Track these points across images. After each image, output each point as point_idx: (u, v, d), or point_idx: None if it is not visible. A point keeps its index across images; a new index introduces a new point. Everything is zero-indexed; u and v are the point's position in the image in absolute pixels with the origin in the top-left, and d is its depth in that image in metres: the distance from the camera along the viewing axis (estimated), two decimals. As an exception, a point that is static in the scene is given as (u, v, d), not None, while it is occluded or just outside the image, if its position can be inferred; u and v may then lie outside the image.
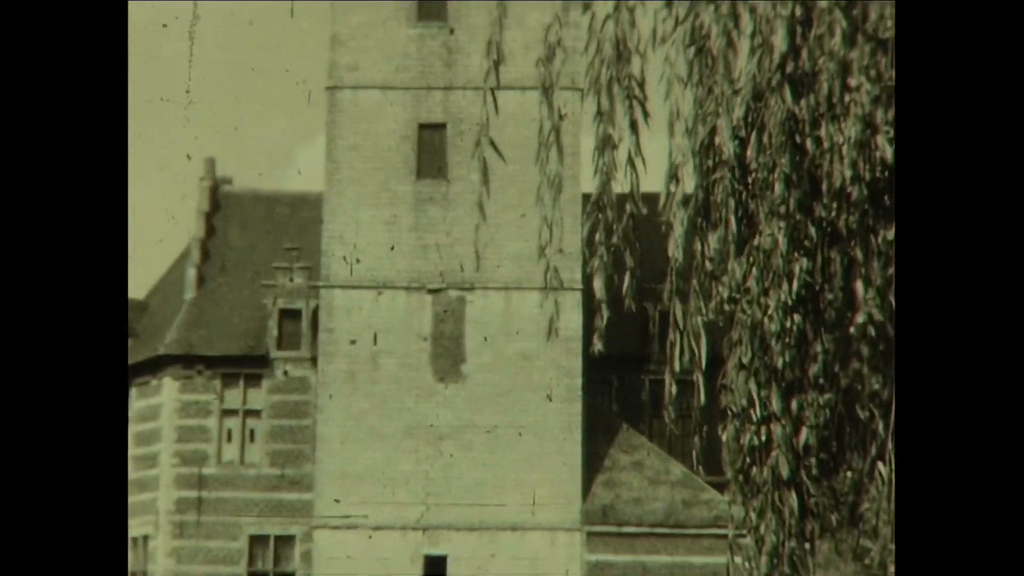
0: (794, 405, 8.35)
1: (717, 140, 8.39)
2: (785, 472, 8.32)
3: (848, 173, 7.99)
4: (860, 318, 8.13)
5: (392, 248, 36.89)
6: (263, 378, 38.39)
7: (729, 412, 8.48)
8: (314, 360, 37.56)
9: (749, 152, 8.31)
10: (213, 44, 75.62)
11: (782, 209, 8.18)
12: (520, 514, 36.15)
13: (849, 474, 8.50)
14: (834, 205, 8.16)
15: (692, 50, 8.38)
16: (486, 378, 36.50)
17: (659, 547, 36.18)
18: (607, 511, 36.39)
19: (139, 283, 42.17)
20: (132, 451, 39.00)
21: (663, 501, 36.54)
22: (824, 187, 8.15)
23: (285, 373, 38.34)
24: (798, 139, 8.19)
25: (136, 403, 39.31)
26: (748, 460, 8.44)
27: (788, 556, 8.45)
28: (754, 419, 8.37)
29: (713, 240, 8.45)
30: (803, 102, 8.12)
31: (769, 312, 8.30)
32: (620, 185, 8.65)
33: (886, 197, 8.05)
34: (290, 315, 38.59)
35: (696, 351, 8.44)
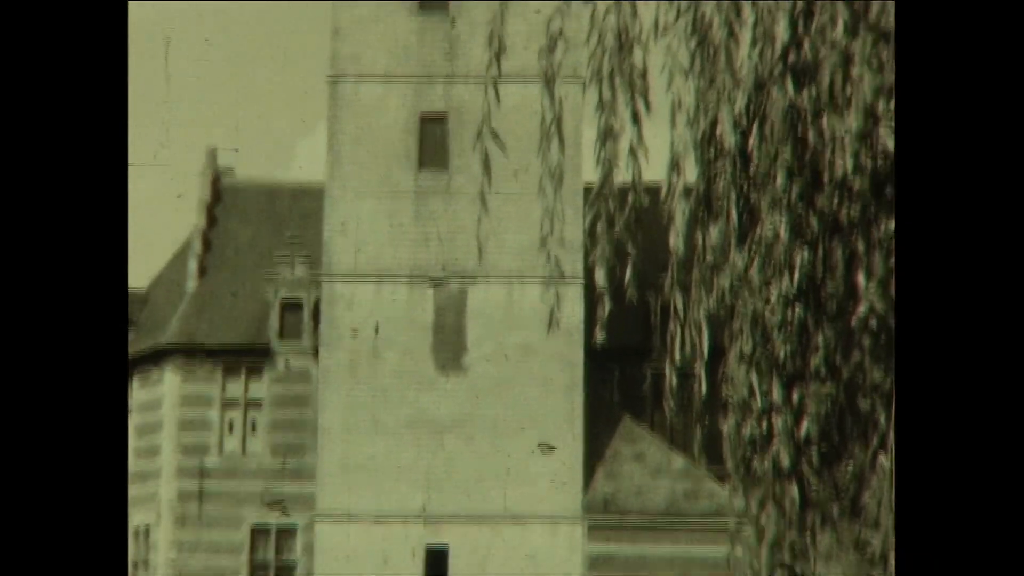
0: (795, 396, 8.35)
1: (719, 131, 8.39)
2: (786, 463, 8.32)
3: (850, 164, 7.98)
4: (861, 309, 8.12)
5: (394, 239, 36.89)
6: (265, 369, 38.43)
7: (730, 403, 8.48)
8: (315, 351, 37.58)
9: (751, 143, 8.30)
10: (215, 34, 75.61)
11: (784, 200, 8.18)
12: (521, 505, 36.17)
13: (850, 465, 8.50)
14: (836, 196, 8.16)
15: (694, 41, 8.37)
16: (487, 369, 36.51)
17: (660, 538, 36.21)
18: (608, 502, 36.41)
19: (140, 274, 42.18)
20: (134, 442, 39.04)
21: (664, 492, 36.57)
22: (826, 178, 8.15)
23: (287, 364, 38.38)
24: (800, 130, 8.18)
25: (138, 394, 39.34)
26: (749, 451, 8.45)
27: (789, 547, 8.45)
28: (755, 410, 8.37)
29: (714, 231, 8.45)
30: (805, 93, 8.12)
31: (770, 303, 8.30)
32: (622, 176, 8.65)
33: (888, 188, 8.05)
34: (292, 306, 38.62)
35: (697, 342, 8.44)
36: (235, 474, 38.10)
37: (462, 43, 37.22)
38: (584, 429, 36.44)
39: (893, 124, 7.81)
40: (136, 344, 39.00)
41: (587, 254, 8.90)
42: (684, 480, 36.68)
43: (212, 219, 40.82)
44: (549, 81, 8.63)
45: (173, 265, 41.84)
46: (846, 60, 7.96)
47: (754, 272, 8.32)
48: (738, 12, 8.28)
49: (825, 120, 8.08)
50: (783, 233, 8.20)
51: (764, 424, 8.36)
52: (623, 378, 39.36)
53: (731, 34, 8.29)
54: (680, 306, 8.50)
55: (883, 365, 8.16)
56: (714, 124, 8.41)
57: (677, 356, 8.54)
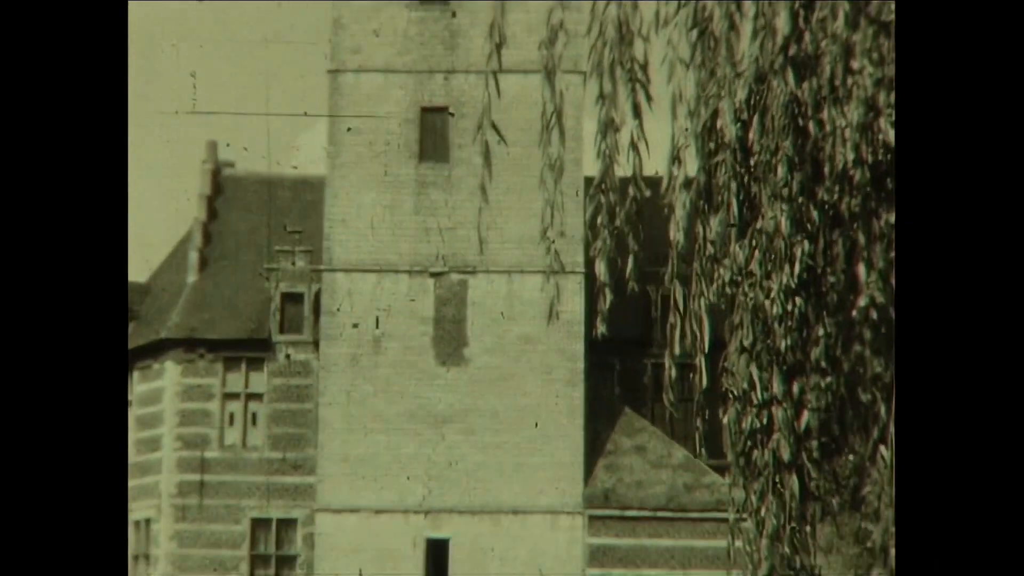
0: (796, 388, 8.35)
1: (719, 123, 8.39)
2: (786, 455, 8.33)
3: (850, 156, 7.98)
4: (862, 301, 8.12)
5: (394, 231, 36.88)
6: (265, 362, 38.42)
7: (730, 395, 8.48)
8: (316, 344, 37.58)
9: (751, 135, 8.30)
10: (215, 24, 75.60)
11: (784, 192, 8.17)
12: (522, 497, 36.19)
13: (851, 457, 8.50)
14: (836, 188, 8.16)
15: (695, 33, 8.37)
16: (488, 361, 36.52)
17: (661, 530, 36.23)
18: (609, 494, 36.43)
19: (141, 266, 42.14)
20: (134, 435, 39.04)
21: (665, 484, 36.58)
22: (826, 170, 8.15)
23: (287, 357, 38.37)
24: (800, 122, 8.18)
25: (138, 387, 39.33)
26: (749, 443, 8.45)
27: (789, 539, 8.45)
28: (755, 402, 8.37)
29: (715, 223, 8.45)
30: (805, 85, 8.11)
31: (771, 295, 8.30)
32: (622, 168, 8.65)
33: (888, 180, 8.05)
34: (292, 298, 38.61)
35: (698, 334, 8.44)
36: (236, 467, 38.11)
37: (463, 35, 37.20)
38: (584, 421, 36.46)
39: (893, 116, 7.80)
40: (136, 337, 38.99)
41: (588, 246, 8.90)
42: (684, 472, 36.70)
43: (212, 211, 40.81)
44: (550, 73, 8.63)
45: (173, 258, 41.83)
46: (847, 52, 7.96)
47: (755, 264, 8.32)
48: (739, 4, 8.27)
49: (826, 112, 8.08)
50: (784, 225, 8.19)
51: (764, 416, 8.36)
52: (624, 370, 39.36)
53: (732, 26, 8.29)
54: (680, 298, 8.50)
55: (884, 357, 8.16)
56: (715, 116, 8.41)
57: (677, 348, 8.54)
